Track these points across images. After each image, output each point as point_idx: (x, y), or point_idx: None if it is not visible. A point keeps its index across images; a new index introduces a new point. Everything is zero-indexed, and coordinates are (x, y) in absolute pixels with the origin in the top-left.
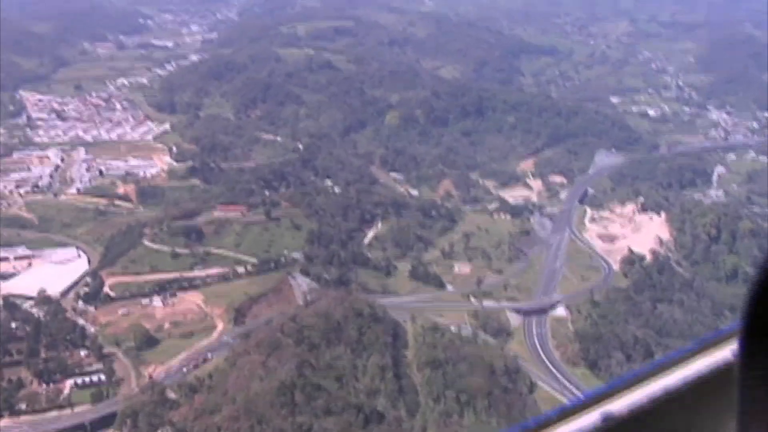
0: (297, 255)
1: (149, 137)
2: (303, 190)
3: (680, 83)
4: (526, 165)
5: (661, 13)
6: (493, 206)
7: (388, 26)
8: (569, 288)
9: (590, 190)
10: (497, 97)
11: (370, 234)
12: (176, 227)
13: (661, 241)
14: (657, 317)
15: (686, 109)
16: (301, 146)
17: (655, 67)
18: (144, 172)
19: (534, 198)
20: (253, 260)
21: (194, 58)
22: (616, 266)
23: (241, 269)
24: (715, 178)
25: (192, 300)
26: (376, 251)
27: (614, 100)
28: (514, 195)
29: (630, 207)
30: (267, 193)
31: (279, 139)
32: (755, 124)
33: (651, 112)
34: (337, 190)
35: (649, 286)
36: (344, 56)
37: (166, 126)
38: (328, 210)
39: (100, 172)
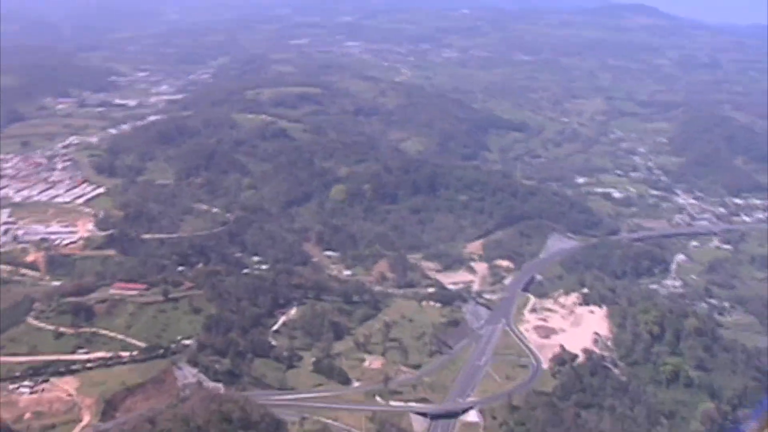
0: (190, 342)
1: (80, 201)
2: (220, 267)
3: (650, 164)
4: (474, 247)
5: (639, 92)
6: (426, 292)
7: (357, 95)
8: (490, 388)
9: (538, 277)
10: (452, 174)
11: (281, 320)
12: (66, 304)
13: (597, 339)
14: (580, 427)
15: (653, 192)
16: (231, 219)
17: (626, 147)
18: (61, 239)
19: (476, 283)
20: (142, 345)
21: (152, 119)
22: (546, 365)
23: (126, 354)
24: (674, 266)
25: (64, 387)
26: (284, 340)
27: (579, 179)
28: (454, 279)
29: (573, 297)
30: (181, 269)
31: (214, 209)
32: (723, 210)
33: (616, 194)
34: (264, 267)
35: (578, 389)
36: (301, 125)
37: (101, 189)
38: (237, 292)
39: (15, 237)
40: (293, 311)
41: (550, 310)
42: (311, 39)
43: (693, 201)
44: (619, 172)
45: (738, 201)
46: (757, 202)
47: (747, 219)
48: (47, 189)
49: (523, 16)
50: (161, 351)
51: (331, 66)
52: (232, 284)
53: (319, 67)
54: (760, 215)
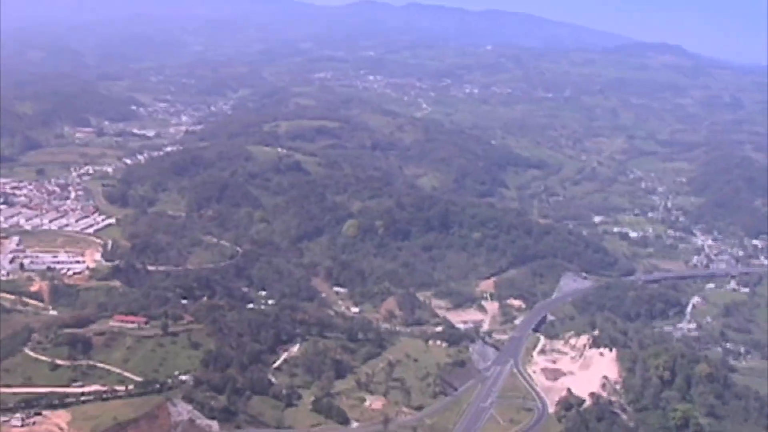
0: (187, 377)
1: (90, 230)
2: (223, 302)
3: (668, 205)
4: (486, 285)
5: (660, 131)
6: (433, 331)
7: (376, 129)
8: None
9: (550, 317)
10: (466, 211)
11: (283, 357)
12: (64, 335)
13: (605, 383)
14: None
15: (671, 232)
16: (240, 252)
17: (645, 186)
18: (68, 269)
19: (486, 322)
20: (138, 379)
21: (168, 149)
22: (552, 408)
23: (122, 389)
24: (689, 309)
25: (56, 421)
26: (284, 377)
27: (596, 219)
28: (464, 318)
29: (584, 339)
30: (184, 302)
31: (223, 242)
32: (740, 252)
33: (632, 234)
34: (270, 302)
35: None
36: (316, 158)
37: (112, 220)
38: (238, 328)
39: (21, 265)
40: (295, 348)
41: (559, 351)
42: (333, 73)
43: (711, 242)
44: (637, 211)
45: (757, 243)
46: None
47: (765, 261)
48: (58, 218)
49: (546, 54)
50: (157, 386)
51: (351, 100)
52: (233, 319)
53: (340, 101)
54: None
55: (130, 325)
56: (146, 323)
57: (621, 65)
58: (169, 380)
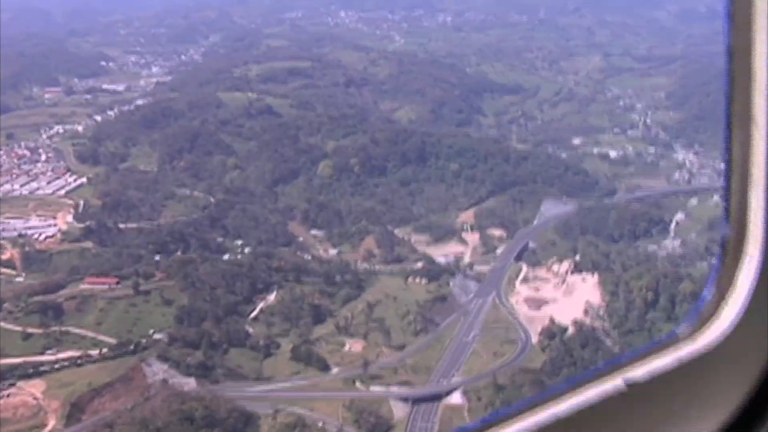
0: (161, 336)
1: (62, 192)
2: (195, 255)
3: (648, 121)
4: (466, 217)
5: (637, 47)
6: (413, 267)
7: (348, 66)
8: (477, 367)
9: (531, 244)
10: (442, 143)
11: (259, 306)
12: (35, 303)
13: (588, 308)
14: None
15: (651, 149)
16: (213, 202)
17: (623, 104)
18: (40, 233)
19: (467, 255)
20: (113, 341)
21: (140, 102)
22: (535, 338)
23: (96, 353)
24: (673, 226)
25: (31, 391)
26: (261, 327)
27: (576, 140)
28: (445, 252)
29: (566, 265)
30: (158, 258)
31: (196, 193)
32: (722, 165)
33: (612, 154)
34: (247, 250)
35: (568, 363)
36: (288, 100)
37: (84, 179)
38: (212, 280)
39: None
40: (272, 297)
41: (542, 279)
42: (304, 11)
43: (692, 157)
44: (616, 130)
45: None
46: None
47: None
48: (29, 182)
49: None
50: (132, 347)
51: (323, 38)
52: (206, 272)
53: (312, 40)
54: None
55: (101, 287)
56: (118, 283)
57: None
58: (144, 340)
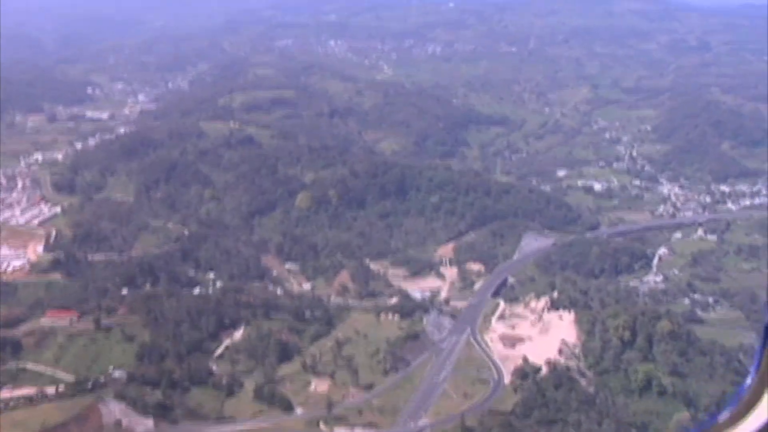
0: (120, 373)
1: (35, 222)
2: (161, 289)
3: (633, 154)
4: (445, 251)
5: (625, 78)
6: (387, 303)
7: (334, 95)
8: (446, 408)
9: (510, 280)
10: (422, 175)
11: (225, 343)
12: None
13: (563, 347)
14: None
15: (636, 182)
16: (186, 234)
17: (610, 136)
18: (8, 263)
19: (444, 290)
20: (71, 378)
21: (121, 131)
22: (508, 379)
23: (52, 390)
24: (655, 261)
25: None
26: (226, 365)
27: (560, 173)
28: (422, 286)
29: (543, 302)
30: (125, 292)
31: (170, 225)
32: (708, 198)
33: (597, 187)
34: (219, 285)
35: (540, 405)
36: (270, 130)
37: (58, 209)
38: (176, 316)
39: None
40: (239, 333)
41: (519, 316)
42: (295, 40)
43: (677, 190)
44: (601, 163)
45: (724, 188)
46: (744, 188)
47: (733, 207)
48: (3, 210)
49: (508, 6)
50: (89, 385)
51: (312, 67)
52: (172, 307)
53: (300, 68)
54: (747, 202)
55: (62, 323)
56: (79, 318)
57: (585, 13)
58: (102, 378)
